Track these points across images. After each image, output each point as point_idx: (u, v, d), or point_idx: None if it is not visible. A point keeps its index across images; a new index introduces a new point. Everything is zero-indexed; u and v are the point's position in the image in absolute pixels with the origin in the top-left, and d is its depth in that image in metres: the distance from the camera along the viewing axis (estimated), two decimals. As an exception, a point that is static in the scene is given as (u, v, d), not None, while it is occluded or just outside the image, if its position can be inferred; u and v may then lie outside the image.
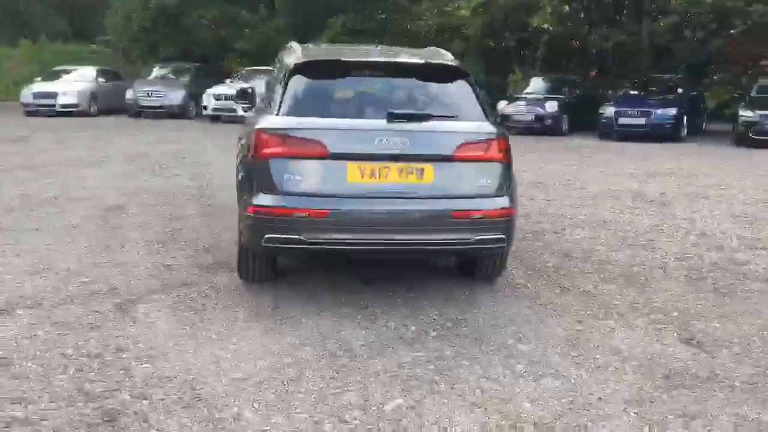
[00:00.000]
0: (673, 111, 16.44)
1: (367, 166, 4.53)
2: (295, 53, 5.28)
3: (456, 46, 22.94)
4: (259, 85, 9.49)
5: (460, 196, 4.63)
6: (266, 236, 4.52)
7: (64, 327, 4.32)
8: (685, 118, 16.81)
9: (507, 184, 4.77)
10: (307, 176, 4.52)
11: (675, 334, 4.43)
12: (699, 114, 18.40)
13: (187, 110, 21.72)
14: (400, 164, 4.55)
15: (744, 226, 7.48)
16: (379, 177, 4.54)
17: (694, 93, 18.36)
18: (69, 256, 5.83)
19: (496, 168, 4.73)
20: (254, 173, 4.64)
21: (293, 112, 4.68)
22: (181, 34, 27.19)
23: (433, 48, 5.88)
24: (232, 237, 6.29)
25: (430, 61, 5.08)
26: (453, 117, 4.76)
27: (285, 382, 3.64)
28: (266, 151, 4.56)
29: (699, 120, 18.35)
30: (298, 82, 4.82)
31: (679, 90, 17.92)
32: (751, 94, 16.51)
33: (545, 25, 22.06)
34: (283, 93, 4.78)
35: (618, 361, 3.98)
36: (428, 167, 4.58)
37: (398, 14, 27.89)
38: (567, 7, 22.83)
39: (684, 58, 21.78)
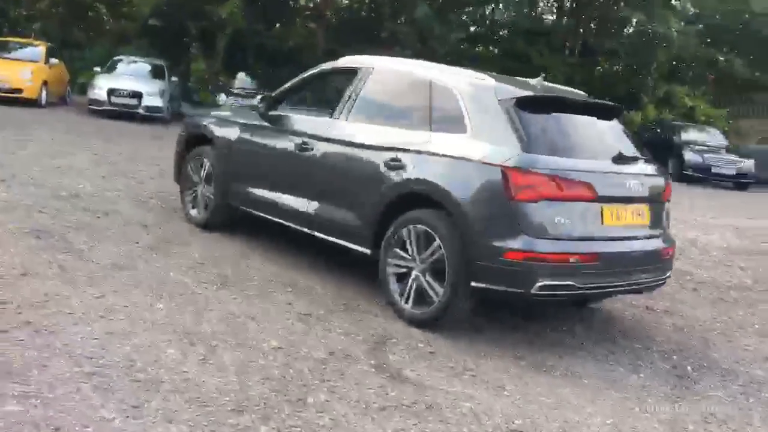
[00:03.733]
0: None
1: (615, 208, 4.61)
2: (476, 79, 4.95)
3: (126, 27, 21.25)
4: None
5: (659, 235, 4.98)
6: (540, 284, 4.28)
7: (409, 413, 3.53)
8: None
9: None
10: (574, 219, 4.43)
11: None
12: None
13: None
14: (632, 206, 4.73)
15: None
16: (621, 219, 4.65)
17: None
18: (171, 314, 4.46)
19: (668, 208, 5.18)
20: (515, 214, 4.32)
21: (534, 149, 4.47)
22: None
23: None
24: (277, 271, 5.59)
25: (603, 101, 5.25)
26: (648, 159, 5.06)
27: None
28: (538, 191, 4.31)
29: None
30: (524, 117, 4.61)
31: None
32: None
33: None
34: (515, 127, 4.50)
35: None
36: (646, 208, 4.84)
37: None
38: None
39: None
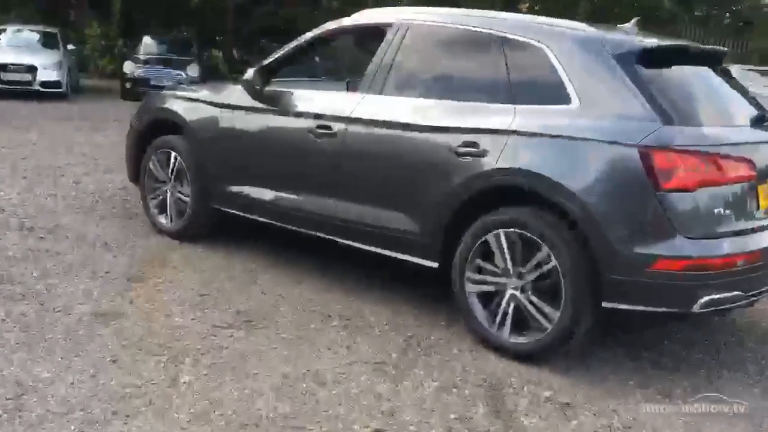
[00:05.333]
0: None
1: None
2: (572, 29, 3.82)
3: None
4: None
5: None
6: (705, 299, 3.25)
7: None
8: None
9: None
10: (734, 208, 3.41)
11: None
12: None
13: None
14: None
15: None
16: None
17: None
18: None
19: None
20: (666, 209, 3.25)
21: (676, 119, 3.39)
22: None
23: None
24: (303, 296, 4.36)
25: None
26: None
27: None
28: (694, 176, 3.25)
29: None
30: (651, 76, 3.52)
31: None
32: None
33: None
34: (646, 91, 3.40)
35: None
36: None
37: None
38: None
39: (263, 20, 21.88)
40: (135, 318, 3.82)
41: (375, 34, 4.38)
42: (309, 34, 4.70)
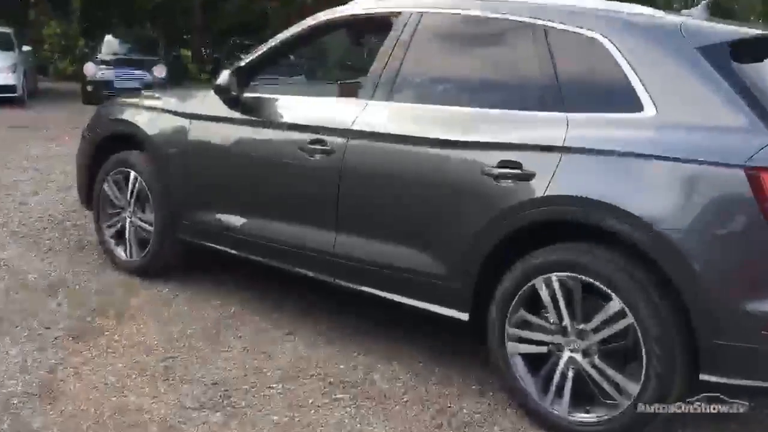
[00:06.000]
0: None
1: None
2: (640, 16, 2.99)
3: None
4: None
5: None
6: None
7: None
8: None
9: None
10: None
11: None
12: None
13: None
14: None
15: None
16: None
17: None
18: None
19: None
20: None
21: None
22: None
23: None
24: (295, 351, 3.50)
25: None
26: None
27: None
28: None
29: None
30: (749, 75, 2.71)
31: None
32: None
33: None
34: (747, 94, 2.60)
35: None
36: None
37: None
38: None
39: (233, 17, 20.93)
40: (79, 399, 2.94)
41: (378, 26, 3.53)
42: (294, 29, 3.84)
